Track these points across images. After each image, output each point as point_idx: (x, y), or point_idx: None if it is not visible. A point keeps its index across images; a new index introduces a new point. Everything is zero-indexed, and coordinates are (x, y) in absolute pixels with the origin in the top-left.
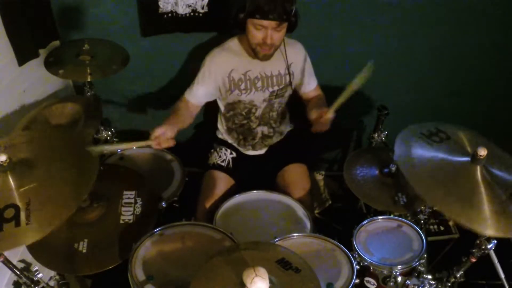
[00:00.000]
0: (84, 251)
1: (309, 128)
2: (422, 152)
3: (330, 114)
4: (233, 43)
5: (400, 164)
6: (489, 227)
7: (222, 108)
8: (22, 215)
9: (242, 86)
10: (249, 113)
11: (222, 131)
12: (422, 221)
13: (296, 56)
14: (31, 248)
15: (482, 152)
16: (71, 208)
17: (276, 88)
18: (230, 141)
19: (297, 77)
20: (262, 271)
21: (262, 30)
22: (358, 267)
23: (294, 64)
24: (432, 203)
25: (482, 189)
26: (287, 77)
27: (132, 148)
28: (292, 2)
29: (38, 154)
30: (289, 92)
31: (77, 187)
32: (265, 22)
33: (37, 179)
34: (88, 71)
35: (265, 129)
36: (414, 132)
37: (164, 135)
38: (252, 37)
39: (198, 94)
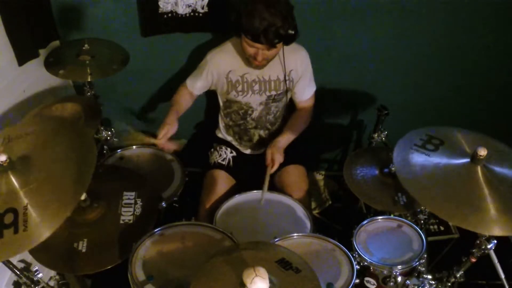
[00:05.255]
0: (84, 250)
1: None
2: (422, 164)
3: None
4: (233, 45)
5: (404, 183)
6: (496, 227)
7: (221, 104)
8: (20, 221)
9: (239, 88)
10: (246, 114)
11: (221, 128)
12: (422, 221)
13: (297, 62)
14: (31, 248)
15: (482, 152)
16: (67, 212)
17: (273, 92)
18: (229, 138)
19: (295, 84)
20: (262, 271)
21: (254, 47)
22: (358, 267)
23: (294, 71)
24: (442, 216)
25: (485, 189)
26: (286, 83)
27: (132, 148)
28: (289, 24)
29: (36, 147)
30: (286, 97)
31: (72, 191)
32: (257, 44)
33: (36, 179)
34: (88, 71)
35: (261, 132)
36: (408, 145)
37: (168, 133)
38: (245, 49)
39: (197, 85)
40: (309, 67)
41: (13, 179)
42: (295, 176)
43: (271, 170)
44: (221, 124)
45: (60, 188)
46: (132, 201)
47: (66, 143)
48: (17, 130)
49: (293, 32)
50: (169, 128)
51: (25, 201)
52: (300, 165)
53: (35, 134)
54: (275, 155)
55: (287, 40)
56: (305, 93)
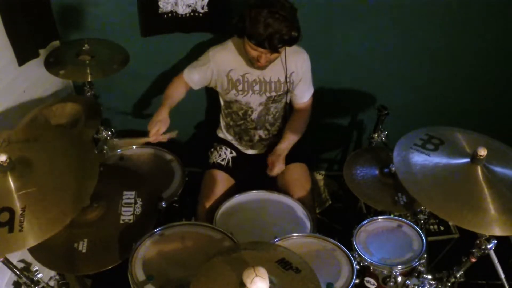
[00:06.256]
0: (84, 251)
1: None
2: (422, 164)
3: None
4: (234, 44)
5: (404, 183)
6: (496, 227)
7: (222, 103)
8: (16, 221)
9: (240, 87)
10: (245, 114)
11: (222, 127)
12: (422, 221)
13: (297, 65)
14: (31, 248)
15: (482, 152)
16: (65, 221)
17: (273, 94)
18: (229, 138)
19: (296, 86)
20: (262, 271)
21: (257, 51)
22: (358, 267)
23: (295, 74)
24: (442, 216)
25: (485, 189)
26: (286, 85)
27: (132, 148)
28: (293, 28)
29: (38, 155)
30: (286, 98)
31: (73, 201)
32: (260, 48)
33: (36, 183)
34: (88, 71)
35: (261, 132)
36: (408, 145)
37: (160, 130)
38: (248, 52)
39: (194, 78)
40: (309, 70)
41: (12, 180)
42: (298, 174)
43: (270, 174)
44: (222, 124)
45: (61, 197)
46: (132, 201)
47: (68, 154)
48: (18, 134)
49: (296, 35)
50: (161, 125)
51: (24, 203)
52: (303, 164)
53: (37, 141)
54: (276, 163)
55: (291, 43)
56: (304, 95)
